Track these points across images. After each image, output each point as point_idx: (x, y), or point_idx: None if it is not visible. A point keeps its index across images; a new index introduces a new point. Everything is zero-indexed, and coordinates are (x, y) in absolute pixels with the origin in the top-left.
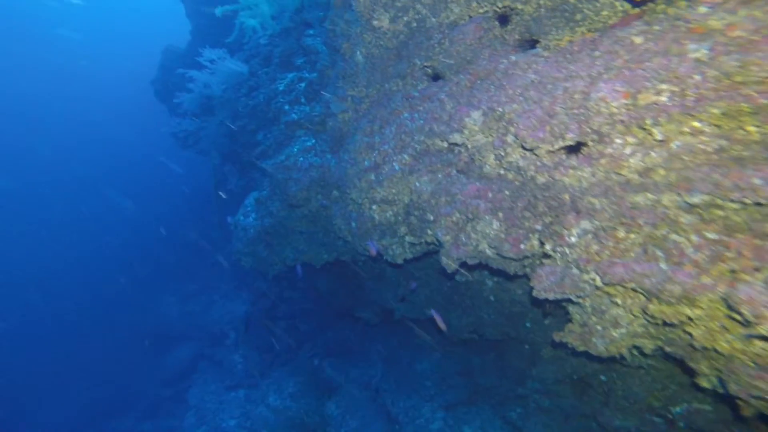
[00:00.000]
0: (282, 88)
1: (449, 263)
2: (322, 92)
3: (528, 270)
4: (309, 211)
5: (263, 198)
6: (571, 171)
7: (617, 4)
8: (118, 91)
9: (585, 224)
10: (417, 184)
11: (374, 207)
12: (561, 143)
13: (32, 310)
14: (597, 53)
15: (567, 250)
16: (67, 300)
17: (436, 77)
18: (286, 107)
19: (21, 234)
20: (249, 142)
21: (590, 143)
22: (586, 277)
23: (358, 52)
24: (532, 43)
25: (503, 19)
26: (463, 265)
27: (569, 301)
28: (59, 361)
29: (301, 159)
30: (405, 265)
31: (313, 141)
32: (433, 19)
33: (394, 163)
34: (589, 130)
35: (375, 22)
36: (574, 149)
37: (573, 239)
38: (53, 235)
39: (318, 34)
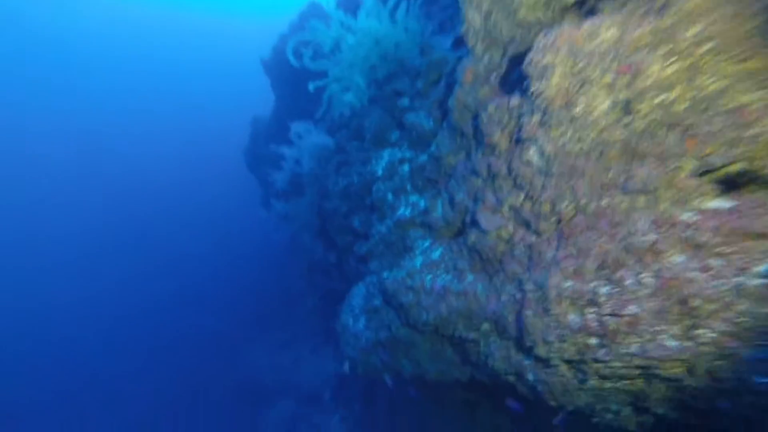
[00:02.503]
0: (381, 172)
1: None
2: (446, 190)
3: None
4: (440, 334)
5: (376, 307)
6: None
7: None
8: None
9: None
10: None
11: (593, 377)
12: None
13: (122, 367)
14: None
15: None
16: (167, 347)
17: (730, 186)
18: (390, 197)
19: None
20: (343, 225)
21: None
22: None
23: (533, 150)
24: None
25: None
26: None
27: None
28: (158, 414)
29: (429, 278)
30: None
31: (440, 251)
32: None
33: (663, 339)
34: None
35: (578, 109)
36: None
37: None
38: (148, 286)
39: (420, 107)
